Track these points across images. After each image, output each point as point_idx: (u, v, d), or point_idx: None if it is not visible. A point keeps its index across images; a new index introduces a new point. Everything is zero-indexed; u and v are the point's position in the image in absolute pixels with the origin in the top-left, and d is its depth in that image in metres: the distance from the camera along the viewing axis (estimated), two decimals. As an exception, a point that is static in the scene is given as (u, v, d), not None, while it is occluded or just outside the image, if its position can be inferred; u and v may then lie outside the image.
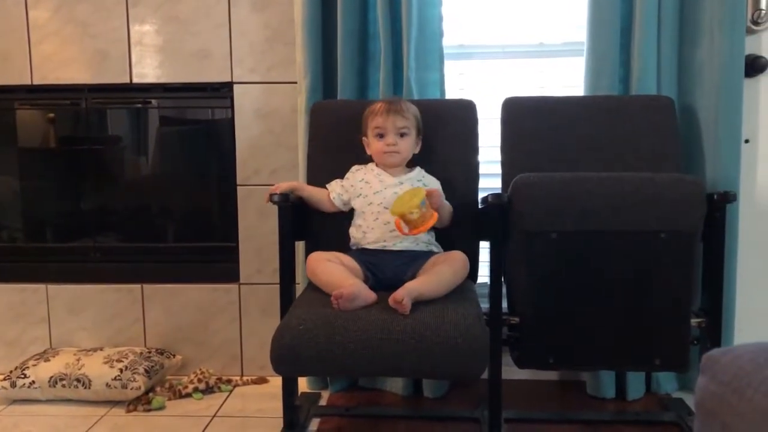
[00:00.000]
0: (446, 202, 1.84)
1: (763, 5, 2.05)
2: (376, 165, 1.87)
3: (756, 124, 2.12)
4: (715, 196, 1.67)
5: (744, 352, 0.89)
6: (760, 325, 2.15)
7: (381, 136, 1.82)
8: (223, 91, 2.31)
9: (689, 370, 1.70)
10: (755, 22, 2.06)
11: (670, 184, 1.62)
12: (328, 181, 1.93)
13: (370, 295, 1.53)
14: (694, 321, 1.68)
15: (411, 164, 1.89)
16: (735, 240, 1.97)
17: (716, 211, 1.68)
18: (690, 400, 2.05)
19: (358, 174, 1.87)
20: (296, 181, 2.01)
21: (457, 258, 1.68)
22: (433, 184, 1.87)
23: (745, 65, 1.97)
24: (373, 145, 1.85)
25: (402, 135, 1.82)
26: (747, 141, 2.10)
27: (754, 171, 2.13)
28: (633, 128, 1.96)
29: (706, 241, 1.70)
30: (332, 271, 1.64)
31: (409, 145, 1.84)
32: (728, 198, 1.67)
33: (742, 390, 0.83)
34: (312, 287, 1.74)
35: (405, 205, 1.63)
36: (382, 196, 1.79)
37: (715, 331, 1.71)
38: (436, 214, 1.66)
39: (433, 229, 1.78)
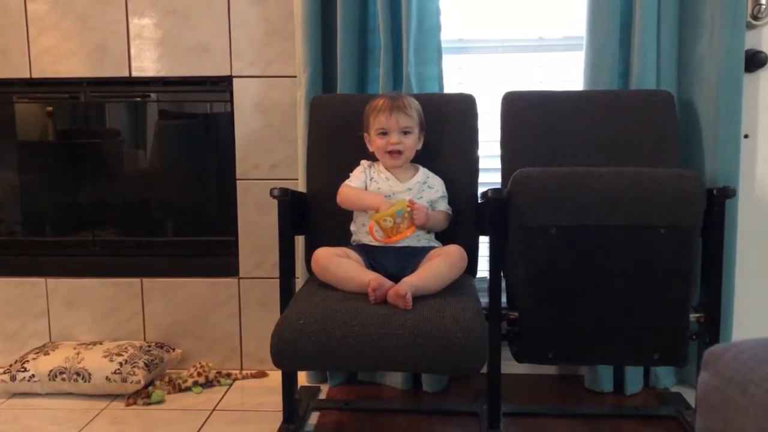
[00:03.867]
0: (443, 207, 1.85)
1: (763, 0, 2.05)
2: (385, 167, 1.85)
3: (755, 120, 2.12)
4: (715, 192, 1.67)
5: (746, 348, 0.89)
6: (758, 319, 2.15)
7: (384, 134, 1.81)
8: (222, 84, 2.30)
9: (688, 364, 1.70)
10: (755, 17, 2.06)
11: (670, 179, 1.62)
12: (328, 175, 1.92)
13: (389, 284, 1.54)
14: (693, 316, 1.69)
15: (413, 161, 1.88)
16: (734, 235, 1.98)
17: (715, 207, 1.68)
18: (688, 394, 2.06)
19: (369, 172, 1.85)
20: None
21: (453, 251, 1.68)
22: (438, 184, 1.86)
23: (745, 60, 1.97)
24: (375, 143, 1.83)
25: (405, 133, 1.81)
26: (746, 136, 2.10)
27: (754, 166, 2.13)
28: (632, 123, 1.96)
29: (705, 237, 1.70)
30: (347, 266, 1.64)
31: (413, 144, 1.83)
32: (728, 193, 1.67)
33: (745, 386, 0.83)
34: (312, 282, 1.75)
35: (382, 212, 1.68)
36: (389, 203, 1.77)
37: (713, 326, 1.71)
38: (413, 228, 1.71)
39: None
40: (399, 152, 1.81)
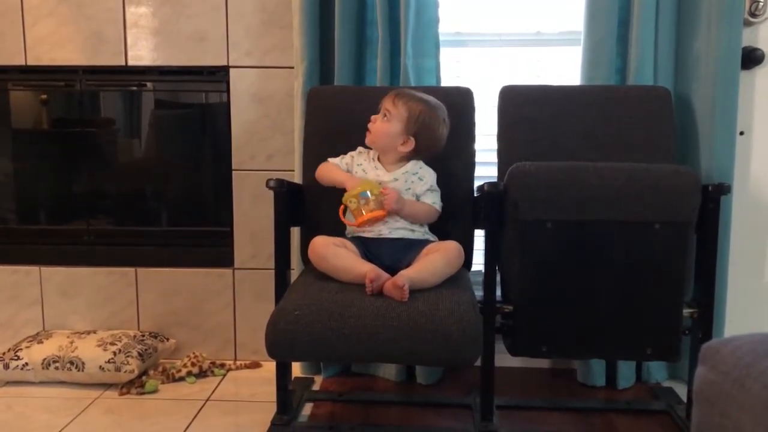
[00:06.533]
0: (428, 200, 1.81)
1: (760, -3, 2.06)
2: (377, 157, 1.85)
3: (751, 117, 2.13)
4: (710, 188, 1.67)
5: (744, 343, 0.89)
6: (751, 315, 2.17)
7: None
8: (219, 74, 2.29)
9: (680, 359, 1.72)
10: (753, 14, 2.07)
11: (666, 174, 1.62)
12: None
13: (386, 276, 1.55)
14: (686, 311, 1.70)
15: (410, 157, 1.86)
16: (728, 231, 1.99)
17: (710, 203, 1.68)
18: (680, 389, 2.07)
19: (358, 158, 1.85)
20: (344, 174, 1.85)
21: (451, 248, 1.68)
22: (429, 176, 1.83)
23: (741, 57, 1.97)
24: None
25: (384, 116, 1.79)
26: (742, 133, 2.10)
27: (748, 163, 2.14)
28: (629, 118, 1.96)
29: (700, 232, 1.70)
30: (345, 255, 1.64)
31: (385, 130, 1.79)
32: (723, 190, 1.67)
33: (742, 380, 0.83)
34: (307, 273, 1.75)
35: (348, 193, 1.68)
36: (357, 181, 1.77)
37: (707, 321, 1.72)
38: (383, 212, 1.70)
39: None
40: (369, 131, 1.82)
